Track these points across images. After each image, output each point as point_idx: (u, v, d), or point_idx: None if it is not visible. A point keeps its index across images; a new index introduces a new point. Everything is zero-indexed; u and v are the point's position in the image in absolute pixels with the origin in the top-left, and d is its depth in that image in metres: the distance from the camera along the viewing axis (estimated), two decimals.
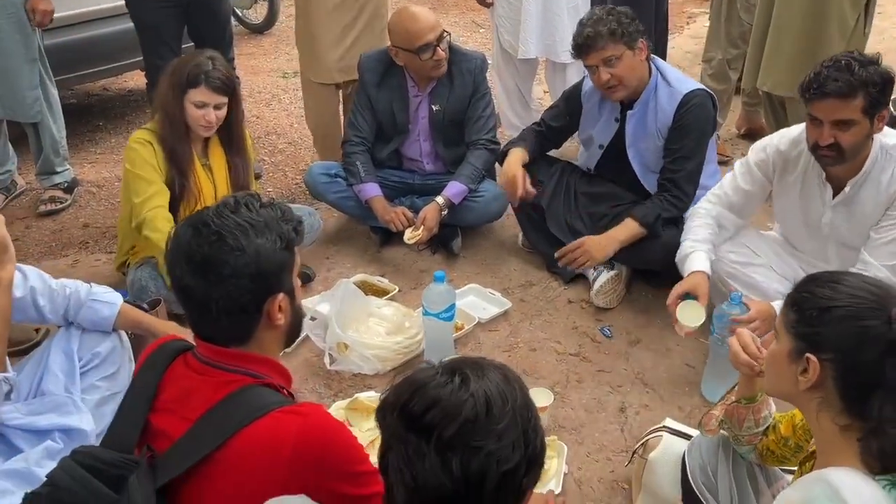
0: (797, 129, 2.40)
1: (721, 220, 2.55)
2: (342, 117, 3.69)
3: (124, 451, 1.33)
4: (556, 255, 2.88)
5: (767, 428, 1.74)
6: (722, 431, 1.81)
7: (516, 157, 2.98)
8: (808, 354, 1.27)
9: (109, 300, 2.13)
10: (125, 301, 2.20)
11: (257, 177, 3.94)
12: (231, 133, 2.76)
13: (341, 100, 3.69)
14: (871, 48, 3.29)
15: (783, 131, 2.49)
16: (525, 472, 1.03)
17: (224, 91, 2.62)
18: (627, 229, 2.79)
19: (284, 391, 1.40)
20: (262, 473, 1.25)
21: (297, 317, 1.44)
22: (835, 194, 2.34)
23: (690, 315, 2.36)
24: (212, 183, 2.77)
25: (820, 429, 1.30)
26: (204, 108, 2.61)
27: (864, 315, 1.23)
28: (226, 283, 1.30)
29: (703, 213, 2.56)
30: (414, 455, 1.00)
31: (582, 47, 2.71)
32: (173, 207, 2.68)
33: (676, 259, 2.53)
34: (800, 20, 3.15)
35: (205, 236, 1.31)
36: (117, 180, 3.81)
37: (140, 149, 2.66)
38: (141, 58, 3.76)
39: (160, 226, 2.57)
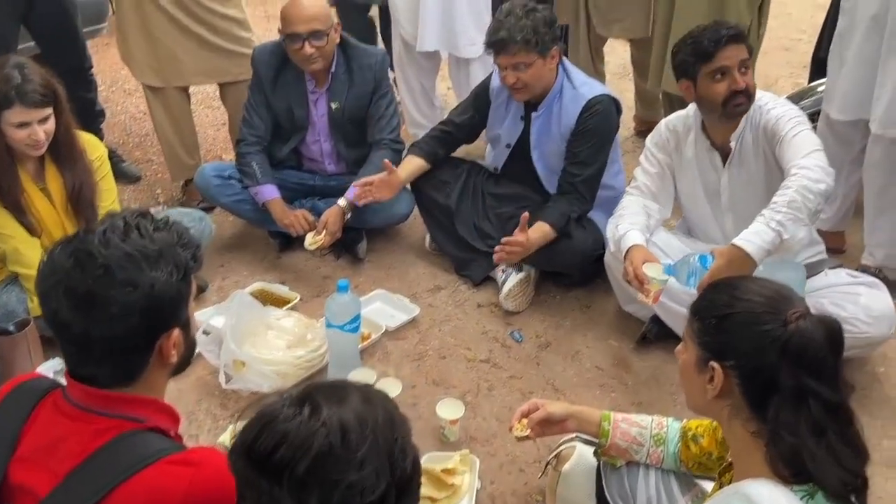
0: (681, 111, 2.58)
1: (647, 210, 2.57)
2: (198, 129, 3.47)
3: None
4: (502, 241, 2.69)
5: (674, 440, 1.73)
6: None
7: (405, 168, 2.96)
8: (712, 363, 1.27)
9: None
10: None
11: (136, 179, 3.68)
12: (59, 146, 2.36)
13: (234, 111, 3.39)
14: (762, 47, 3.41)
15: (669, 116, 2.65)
16: (396, 499, 0.93)
17: (45, 103, 2.25)
18: (542, 233, 2.73)
19: (173, 434, 1.24)
20: None
21: (190, 349, 1.29)
22: (723, 160, 2.47)
23: (656, 269, 2.32)
24: (53, 208, 2.43)
25: (734, 437, 1.30)
26: (27, 128, 2.25)
27: (761, 319, 1.24)
28: (113, 321, 1.13)
29: (629, 203, 2.59)
30: (269, 503, 0.89)
31: (494, 46, 2.65)
32: None
33: (611, 240, 2.54)
34: (699, 24, 3.20)
35: (89, 269, 1.13)
36: None
37: None
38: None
39: (28, 259, 2.33)
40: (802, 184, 2.12)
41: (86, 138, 2.53)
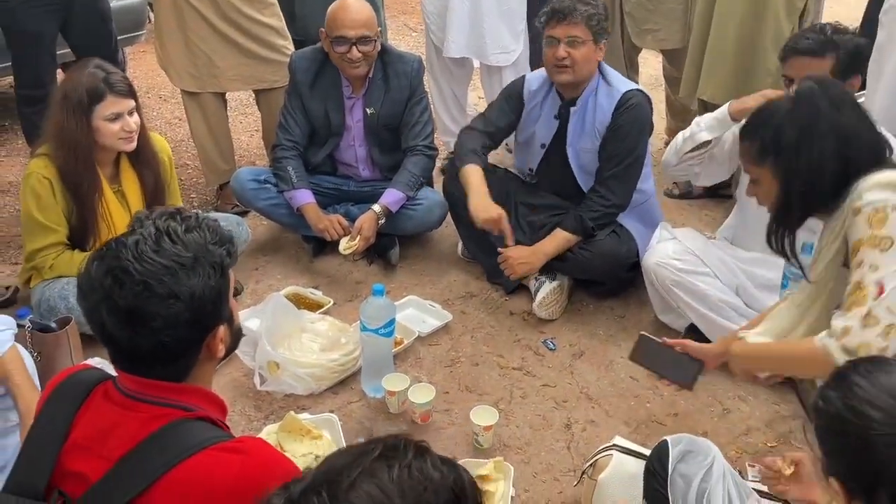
0: None
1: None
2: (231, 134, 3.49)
3: (31, 497, 1.16)
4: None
5: None
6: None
7: (479, 181, 2.79)
8: None
9: None
10: (29, 320, 1.97)
11: None
12: (138, 144, 2.45)
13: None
14: None
15: None
16: None
17: (131, 93, 2.38)
18: (555, 240, 2.76)
19: (221, 423, 1.25)
20: None
21: (236, 338, 1.30)
22: None
23: None
24: (126, 210, 2.49)
25: None
26: (120, 119, 2.35)
27: None
28: (158, 334, 1.14)
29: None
30: None
31: (556, 13, 2.64)
32: (81, 243, 2.47)
33: (683, 137, 2.53)
34: (737, 34, 3.20)
35: (128, 287, 1.13)
36: None
37: (40, 188, 2.36)
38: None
39: (69, 268, 2.39)
40: None
41: (156, 138, 2.59)
